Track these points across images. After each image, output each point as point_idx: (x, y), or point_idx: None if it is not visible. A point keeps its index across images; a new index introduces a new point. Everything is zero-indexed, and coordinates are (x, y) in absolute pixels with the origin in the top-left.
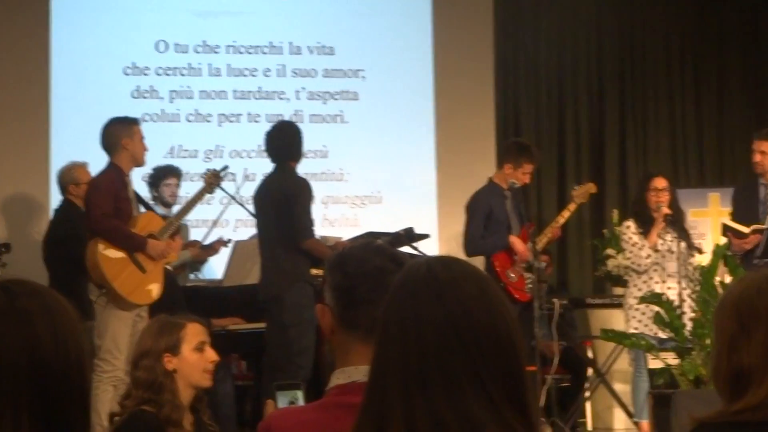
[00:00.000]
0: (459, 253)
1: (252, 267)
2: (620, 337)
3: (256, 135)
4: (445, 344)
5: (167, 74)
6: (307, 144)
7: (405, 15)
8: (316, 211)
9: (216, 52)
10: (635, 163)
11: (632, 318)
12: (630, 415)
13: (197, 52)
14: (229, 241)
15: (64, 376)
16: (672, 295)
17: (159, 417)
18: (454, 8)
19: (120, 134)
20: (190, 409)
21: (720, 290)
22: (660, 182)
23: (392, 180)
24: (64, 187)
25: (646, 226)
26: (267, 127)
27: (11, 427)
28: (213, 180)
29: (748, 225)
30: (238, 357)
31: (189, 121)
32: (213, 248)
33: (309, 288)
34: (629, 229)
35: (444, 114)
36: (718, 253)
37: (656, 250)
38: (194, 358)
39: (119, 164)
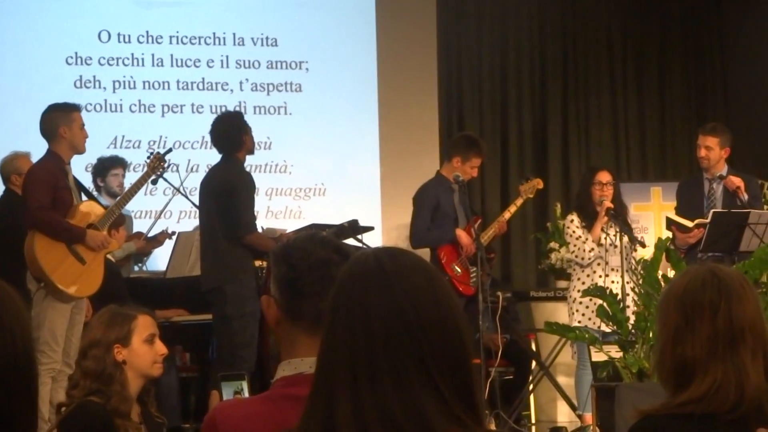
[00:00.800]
0: (403, 244)
1: (196, 258)
2: (564, 330)
3: (200, 126)
4: (393, 335)
5: (110, 64)
6: None
7: (349, 7)
8: (260, 203)
9: (159, 43)
10: (578, 157)
11: (576, 311)
12: (573, 407)
13: (140, 42)
14: (173, 233)
15: (10, 364)
16: (615, 288)
17: (107, 408)
18: (398, 1)
19: (58, 122)
20: (137, 400)
21: (663, 284)
22: (604, 176)
23: (336, 172)
24: (6, 178)
25: (589, 219)
26: (211, 118)
27: None
28: (156, 163)
29: (692, 219)
30: (181, 349)
31: (132, 111)
32: (157, 240)
33: (251, 280)
34: (573, 223)
35: (387, 107)
36: (661, 246)
37: (600, 244)
38: (144, 350)
39: (58, 152)
